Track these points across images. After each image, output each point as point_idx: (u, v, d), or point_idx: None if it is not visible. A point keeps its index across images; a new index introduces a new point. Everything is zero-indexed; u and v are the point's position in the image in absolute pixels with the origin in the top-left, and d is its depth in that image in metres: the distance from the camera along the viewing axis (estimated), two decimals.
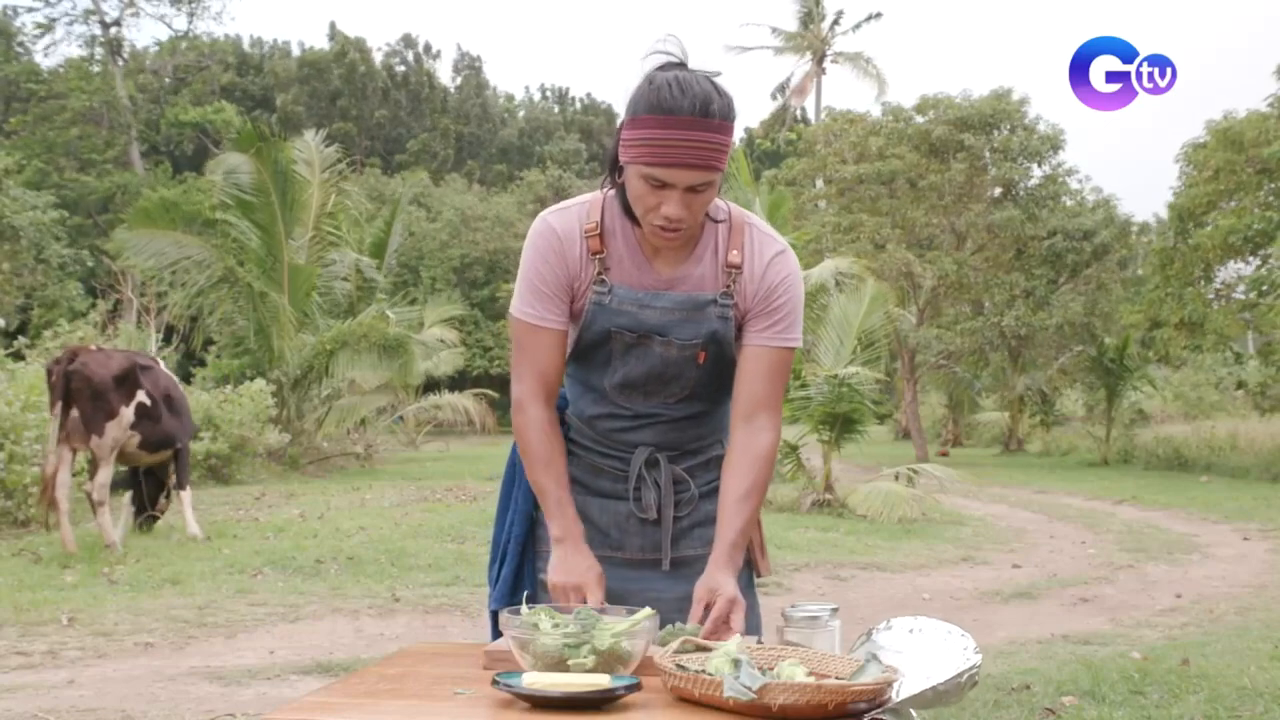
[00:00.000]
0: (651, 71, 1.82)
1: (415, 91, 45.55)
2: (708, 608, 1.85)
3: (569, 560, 1.92)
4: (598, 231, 1.94)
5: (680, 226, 1.84)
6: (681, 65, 1.83)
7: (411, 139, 43.85)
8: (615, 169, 1.90)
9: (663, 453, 2.03)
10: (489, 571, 2.17)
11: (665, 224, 1.83)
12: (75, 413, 7.93)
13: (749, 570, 2.11)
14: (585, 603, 1.86)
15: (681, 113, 1.76)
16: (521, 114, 50.41)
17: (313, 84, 43.29)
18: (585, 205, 1.98)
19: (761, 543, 2.11)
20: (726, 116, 1.80)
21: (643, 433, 2.02)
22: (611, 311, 1.95)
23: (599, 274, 1.95)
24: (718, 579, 1.87)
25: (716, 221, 1.96)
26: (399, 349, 16.72)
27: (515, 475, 2.13)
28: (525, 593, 2.02)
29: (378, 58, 45.78)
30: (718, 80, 1.82)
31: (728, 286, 1.94)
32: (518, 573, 2.10)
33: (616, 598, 1.93)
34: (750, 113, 44.84)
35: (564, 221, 1.97)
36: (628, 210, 1.91)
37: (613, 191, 1.94)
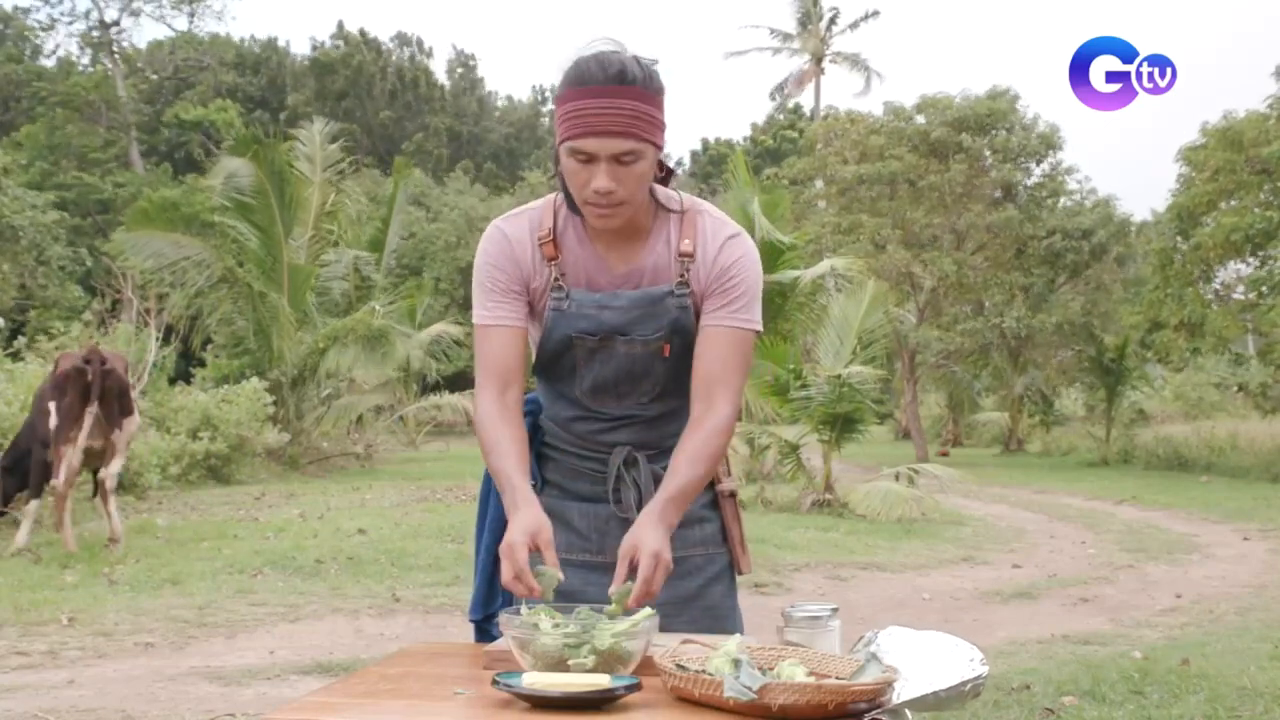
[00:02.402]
0: (577, 55, 1.85)
1: (420, 92, 45.59)
2: (634, 571, 1.78)
3: (519, 519, 1.82)
4: (550, 238, 1.95)
5: (613, 202, 1.82)
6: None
7: (406, 139, 43.86)
8: (558, 171, 1.91)
9: (641, 451, 2.01)
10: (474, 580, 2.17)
11: (596, 199, 1.82)
12: (96, 410, 8.11)
13: (731, 569, 2.10)
14: (536, 550, 1.76)
15: (596, 82, 1.78)
16: (497, 114, 50.38)
17: (323, 82, 43.30)
18: (538, 210, 1.98)
19: (742, 538, 2.09)
20: (647, 85, 1.81)
21: (619, 433, 2.01)
22: (572, 316, 1.94)
23: (555, 280, 1.94)
24: (640, 534, 1.79)
25: (670, 211, 1.96)
26: (381, 339, 16.89)
27: (489, 483, 2.12)
28: (523, 600, 2.01)
29: (393, 56, 45.86)
30: (643, 59, 1.84)
31: (682, 275, 1.93)
32: (490, 582, 2.09)
33: (597, 604, 1.92)
34: (750, 113, 44.83)
35: (514, 227, 1.98)
36: (574, 206, 1.91)
37: (561, 195, 1.94)
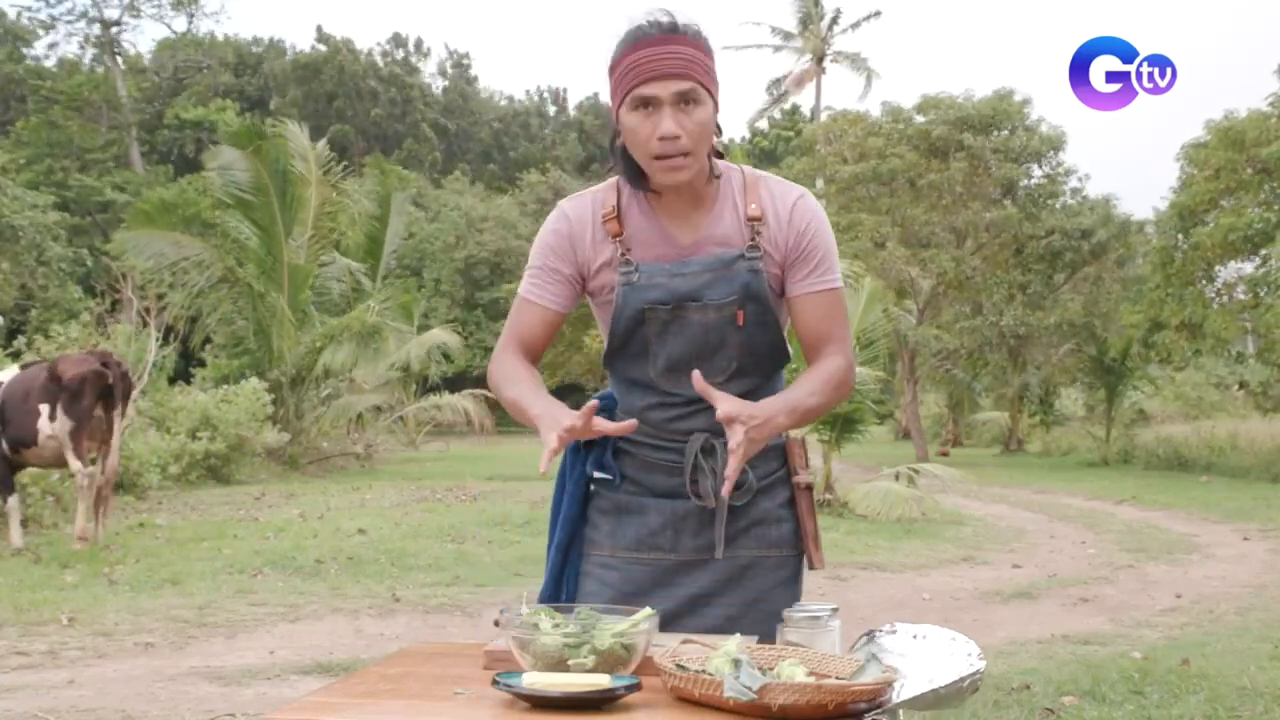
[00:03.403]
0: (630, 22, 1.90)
1: (405, 91, 45.64)
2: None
3: (551, 414, 1.82)
4: (615, 215, 1.96)
5: (681, 149, 1.84)
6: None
7: (400, 144, 43.93)
8: (615, 147, 1.93)
9: (719, 440, 1.95)
10: None
11: (664, 148, 1.83)
12: (100, 413, 8.20)
13: (799, 562, 2.07)
14: (570, 430, 1.75)
15: (651, 33, 1.84)
16: (496, 113, 50.46)
17: (309, 85, 43.36)
18: (601, 191, 2.00)
19: (816, 533, 2.06)
20: (698, 35, 1.86)
21: (696, 419, 1.96)
22: (642, 289, 1.93)
23: (623, 255, 1.95)
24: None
25: (731, 180, 1.98)
26: (374, 335, 16.98)
27: (563, 480, 2.11)
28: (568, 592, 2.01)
29: (374, 56, 45.99)
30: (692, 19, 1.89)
31: (753, 240, 1.93)
32: (557, 578, 2.09)
33: (665, 612, 1.92)
34: (749, 113, 44.91)
35: (577, 206, 2.00)
36: (635, 180, 1.93)
37: (622, 176, 1.96)
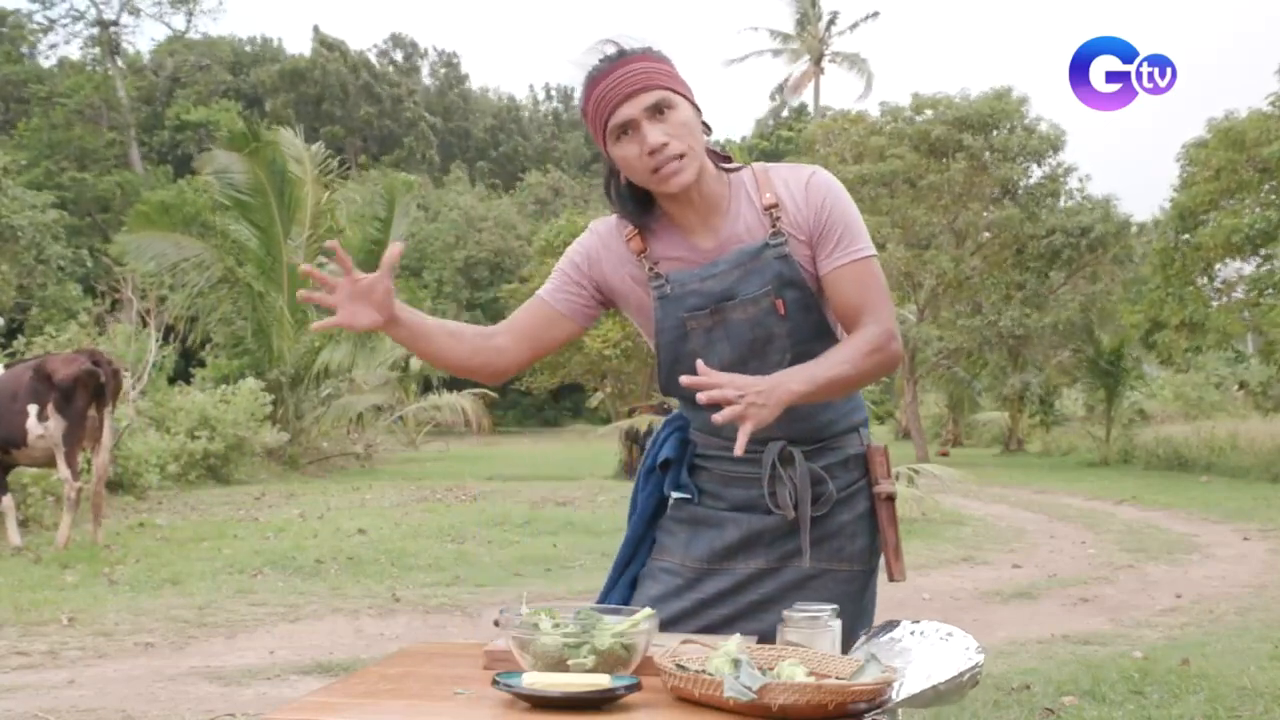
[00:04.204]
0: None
1: (395, 90, 45.68)
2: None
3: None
4: (636, 233, 1.98)
5: (672, 153, 1.84)
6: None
7: (399, 143, 43.95)
8: (610, 191, 1.97)
9: (796, 447, 1.97)
10: None
11: (656, 159, 1.84)
12: (93, 412, 8.18)
13: (868, 577, 2.04)
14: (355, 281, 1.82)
15: (603, 67, 1.88)
16: (493, 112, 50.55)
17: (299, 89, 43.44)
18: None
19: (897, 544, 2.02)
20: (646, 50, 1.89)
21: (770, 428, 1.87)
22: (677, 299, 1.94)
23: (652, 269, 1.96)
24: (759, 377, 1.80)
25: (743, 176, 1.98)
26: (370, 334, 17.03)
27: (643, 480, 2.11)
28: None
29: (371, 56, 46.11)
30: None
31: (774, 227, 1.93)
32: (619, 573, 2.10)
33: (724, 617, 1.93)
34: (750, 115, 44.96)
35: (605, 224, 2.04)
36: (636, 214, 1.96)
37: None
